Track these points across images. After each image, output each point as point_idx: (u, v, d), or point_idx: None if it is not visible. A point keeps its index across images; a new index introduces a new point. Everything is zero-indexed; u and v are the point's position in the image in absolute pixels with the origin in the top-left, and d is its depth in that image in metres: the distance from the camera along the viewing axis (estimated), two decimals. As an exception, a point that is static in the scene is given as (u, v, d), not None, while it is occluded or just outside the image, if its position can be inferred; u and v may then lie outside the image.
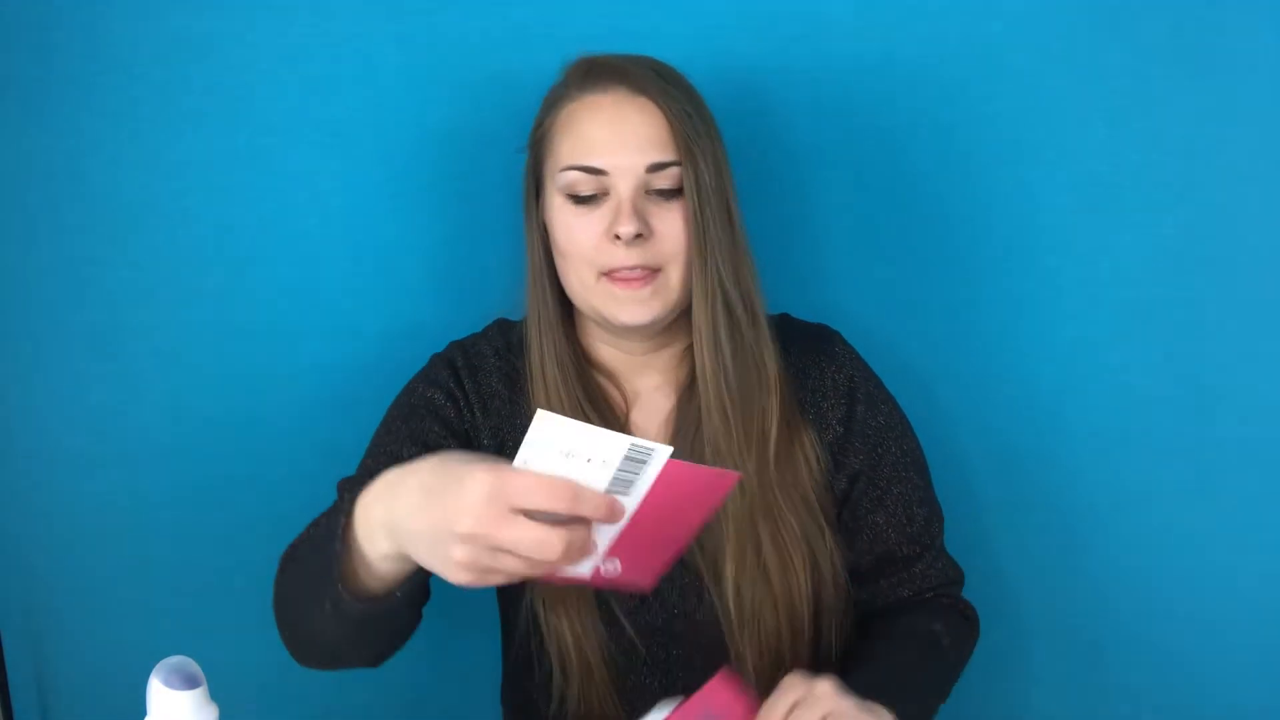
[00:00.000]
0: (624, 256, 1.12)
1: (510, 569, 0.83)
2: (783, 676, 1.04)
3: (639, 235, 1.12)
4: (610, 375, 1.23)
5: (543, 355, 1.20)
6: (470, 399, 1.22)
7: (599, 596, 1.18)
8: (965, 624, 1.26)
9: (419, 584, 1.00)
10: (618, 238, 1.12)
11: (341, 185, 1.37)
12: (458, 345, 1.26)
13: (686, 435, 1.19)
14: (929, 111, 1.36)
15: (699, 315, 1.15)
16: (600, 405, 1.20)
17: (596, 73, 1.17)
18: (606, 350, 1.23)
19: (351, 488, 1.08)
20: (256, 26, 1.33)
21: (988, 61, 1.35)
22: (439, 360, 1.25)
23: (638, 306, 1.14)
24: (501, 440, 1.21)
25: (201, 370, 1.38)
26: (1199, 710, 1.45)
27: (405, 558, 0.91)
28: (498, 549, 0.81)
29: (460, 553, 0.82)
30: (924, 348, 1.41)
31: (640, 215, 1.12)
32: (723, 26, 1.35)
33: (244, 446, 1.40)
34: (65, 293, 1.36)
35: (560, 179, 1.15)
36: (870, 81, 1.36)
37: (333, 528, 0.97)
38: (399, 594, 0.98)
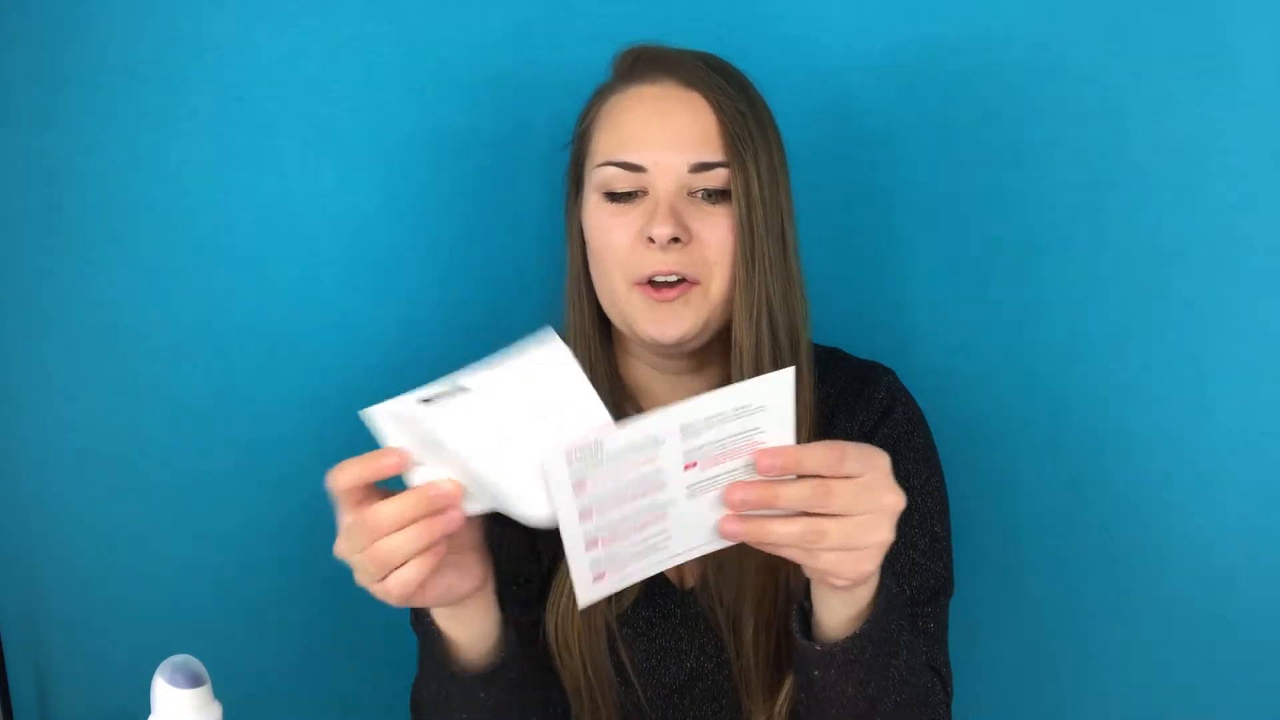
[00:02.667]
0: (660, 261, 1.04)
1: (378, 562, 0.85)
2: None
3: (676, 239, 1.03)
4: (641, 407, 1.16)
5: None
6: None
7: (614, 654, 1.14)
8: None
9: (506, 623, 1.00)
10: (652, 240, 1.04)
11: (341, 185, 1.37)
12: None
13: None
14: (929, 111, 1.36)
15: (741, 333, 1.06)
16: None
17: (643, 64, 1.10)
18: (641, 371, 1.16)
19: (420, 615, 1.12)
20: (256, 26, 1.33)
21: (988, 61, 1.35)
22: None
23: (669, 320, 1.05)
24: None
25: (201, 370, 1.38)
26: (1200, 709, 1.45)
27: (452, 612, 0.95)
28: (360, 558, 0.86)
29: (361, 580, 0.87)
30: (918, 348, 1.41)
31: (679, 218, 1.04)
32: (723, 26, 1.35)
33: (244, 446, 1.39)
34: (65, 293, 1.35)
35: (596, 175, 1.08)
36: (870, 81, 1.36)
37: (423, 640, 0.99)
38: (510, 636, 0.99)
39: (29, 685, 1.42)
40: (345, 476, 0.85)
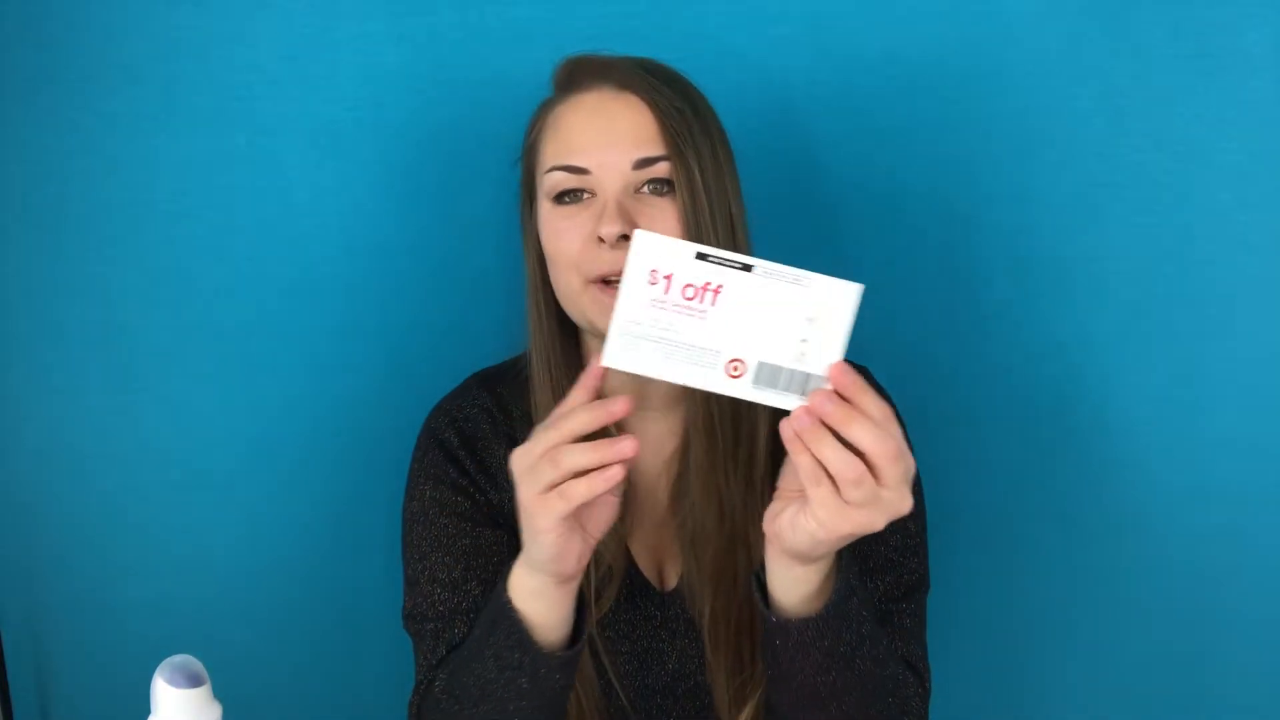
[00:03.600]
0: (611, 260, 1.05)
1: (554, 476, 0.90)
2: None
3: (625, 237, 1.04)
4: None
5: (542, 383, 1.14)
6: (478, 480, 1.17)
7: (595, 659, 1.15)
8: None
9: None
10: (602, 240, 1.06)
11: (341, 185, 1.37)
12: (445, 417, 1.20)
13: (677, 461, 1.15)
14: (929, 112, 1.36)
15: None
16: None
17: (580, 72, 1.13)
18: (610, 372, 1.14)
19: (412, 615, 1.15)
20: (256, 26, 1.33)
21: (988, 61, 1.35)
22: (432, 445, 1.19)
23: None
24: None
25: (201, 370, 1.38)
26: (1198, 708, 1.45)
27: (551, 579, 0.97)
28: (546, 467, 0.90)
29: (523, 492, 0.91)
30: (920, 347, 1.41)
31: (626, 215, 1.06)
32: (723, 26, 1.35)
33: (244, 445, 1.39)
34: (65, 292, 1.35)
35: (545, 182, 1.10)
36: (870, 81, 1.36)
37: (495, 623, 1.00)
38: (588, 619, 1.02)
39: (29, 685, 1.42)
40: (576, 422, 0.90)
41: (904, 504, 0.89)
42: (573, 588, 0.99)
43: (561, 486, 0.89)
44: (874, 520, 0.88)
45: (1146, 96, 1.34)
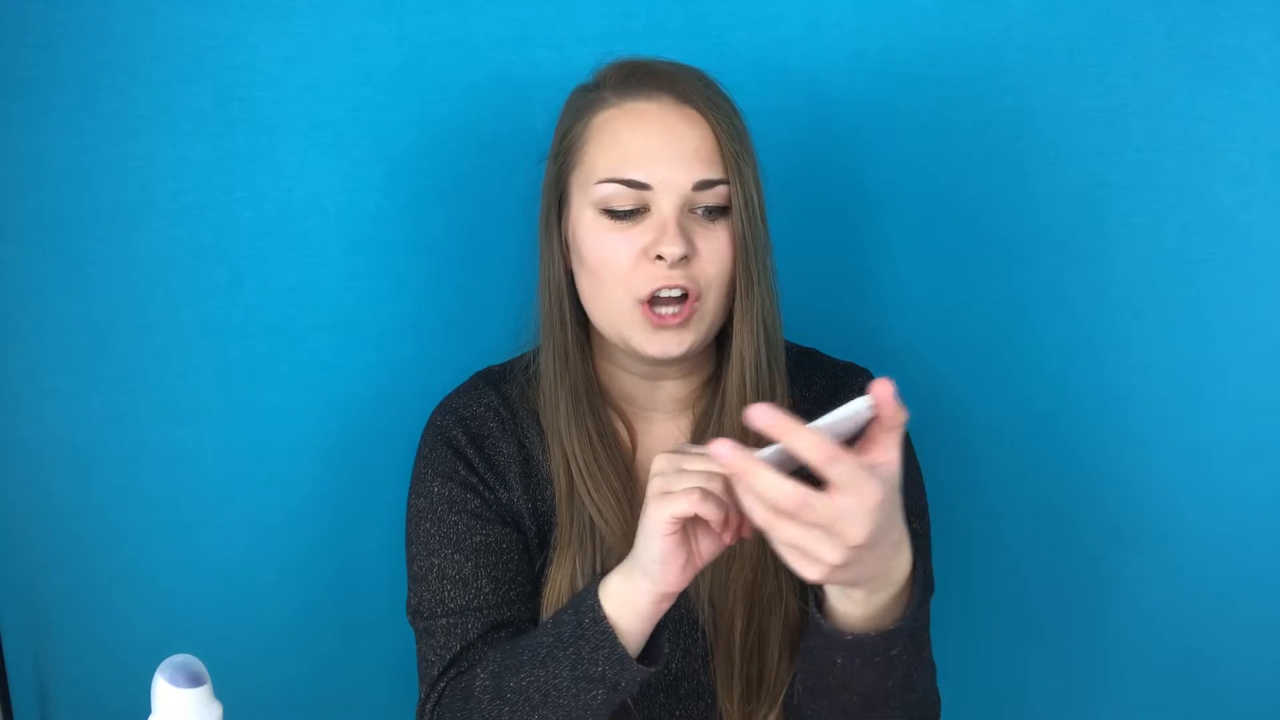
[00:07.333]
0: (665, 277, 1.05)
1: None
2: None
3: (684, 257, 1.05)
4: (620, 410, 1.18)
5: (556, 382, 1.13)
6: (486, 478, 1.16)
7: None
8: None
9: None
10: (659, 258, 1.05)
11: (341, 185, 1.37)
12: (452, 415, 1.19)
13: None
14: (929, 111, 1.36)
15: (744, 345, 1.10)
16: (609, 442, 1.14)
17: (639, 78, 1.10)
18: (623, 378, 1.17)
19: (419, 611, 1.14)
20: (256, 26, 1.33)
21: (988, 61, 1.35)
22: (439, 442, 1.18)
23: (671, 339, 1.07)
24: (534, 501, 1.17)
25: (201, 370, 1.38)
26: (1197, 708, 1.45)
27: (651, 594, 0.97)
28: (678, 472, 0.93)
29: (652, 486, 0.94)
30: (922, 347, 1.41)
31: (688, 235, 1.06)
32: (722, 26, 1.35)
33: (244, 445, 1.39)
34: (66, 292, 1.35)
35: (595, 192, 1.08)
36: (868, 82, 1.36)
37: (581, 633, 0.99)
38: (665, 638, 1.02)
39: (29, 685, 1.42)
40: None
41: (851, 531, 0.84)
42: (663, 609, 0.98)
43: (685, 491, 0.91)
44: (822, 557, 0.84)
45: (1146, 96, 1.34)
